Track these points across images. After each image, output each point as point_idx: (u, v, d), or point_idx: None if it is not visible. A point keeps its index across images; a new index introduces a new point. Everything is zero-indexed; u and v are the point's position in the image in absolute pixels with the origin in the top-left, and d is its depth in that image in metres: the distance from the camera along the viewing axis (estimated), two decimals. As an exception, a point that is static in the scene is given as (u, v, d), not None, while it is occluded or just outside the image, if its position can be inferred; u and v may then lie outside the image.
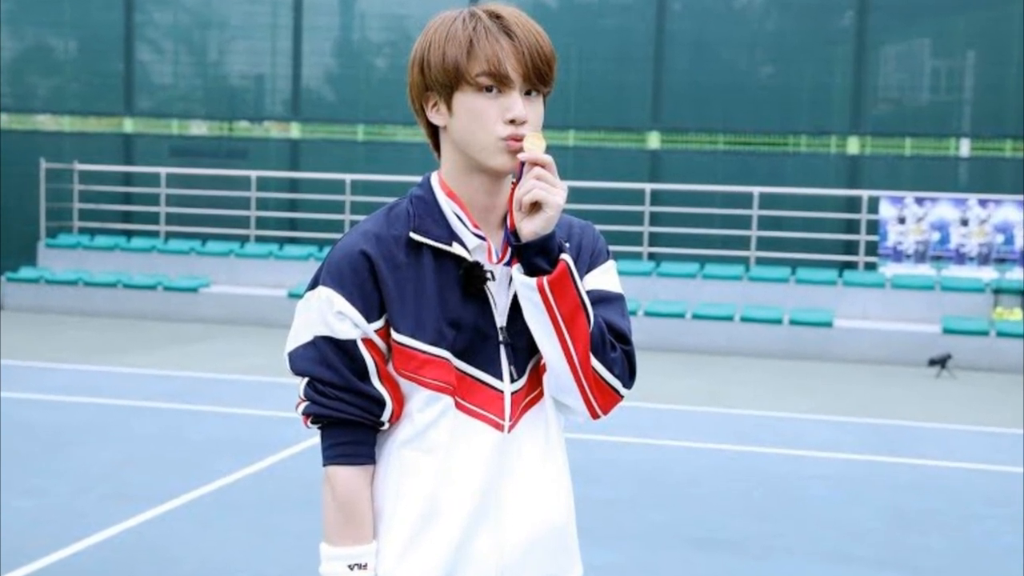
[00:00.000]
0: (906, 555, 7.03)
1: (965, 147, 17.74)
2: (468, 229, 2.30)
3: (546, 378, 2.36)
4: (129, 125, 20.18)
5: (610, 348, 2.33)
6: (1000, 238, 16.56)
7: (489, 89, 2.24)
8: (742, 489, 8.43)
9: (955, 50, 18.05)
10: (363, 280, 2.27)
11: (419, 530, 2.30)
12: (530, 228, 2.21)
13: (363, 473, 2.32)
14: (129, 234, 19.73)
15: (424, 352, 2.28)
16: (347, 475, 2.30)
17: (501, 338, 2.33)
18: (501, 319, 2.33)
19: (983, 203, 16.64)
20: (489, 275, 2.31)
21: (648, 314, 16.28)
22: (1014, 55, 17.28)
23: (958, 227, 16.66)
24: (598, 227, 2.54)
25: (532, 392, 2.38)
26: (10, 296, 18.46)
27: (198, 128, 20.63)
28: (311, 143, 19.73)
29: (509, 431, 2.33)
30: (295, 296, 16.86)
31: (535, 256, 2.23)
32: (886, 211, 16.90)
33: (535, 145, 2.22)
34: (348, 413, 2.29)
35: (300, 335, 2.34)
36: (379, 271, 2.27)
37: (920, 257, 16.78)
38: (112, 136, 20.27)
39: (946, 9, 17.85)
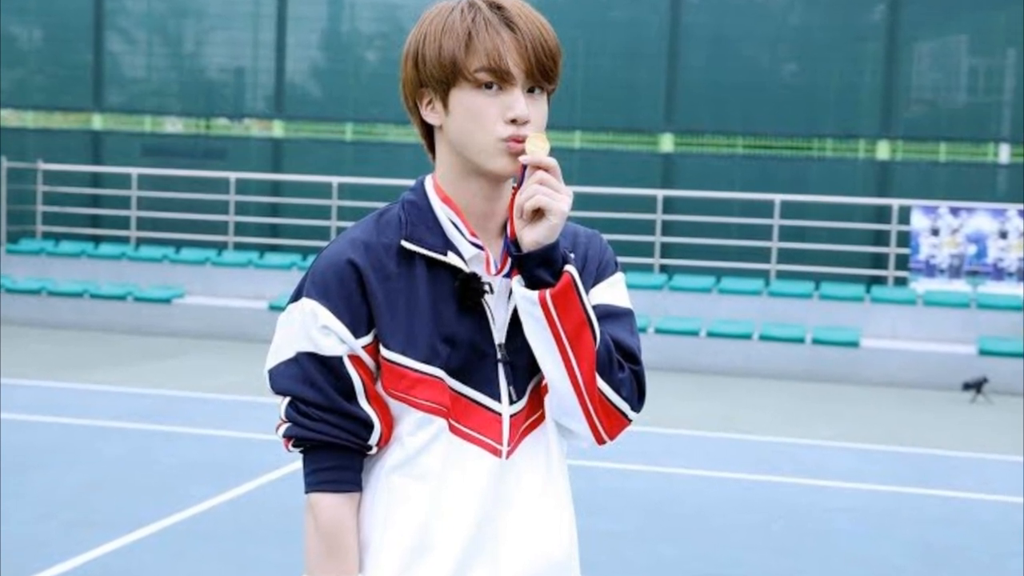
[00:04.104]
0: (937, 595, 7.03)
1: (1005, 153, 17.75)
2: (465, 237, 2.31)
3: (548, 400, 2.36)
4: (98, 122, 20.21)
5: (617, 368, 2.33)
6: (1042, 252, 16.58)
7: (489, 86, 2.24)
8: (759, 522, 8.43)
9: (995, 48, 18.06)
10: (350, 292, 2.27)
11: (409, 563, 2.30)
12: (532, 237, 2.21)
13: (349, 501, 2.32)
14: (97, 240, 19.73)
15: (416, 370, 2.28)
16: (331, 503, 2.30)
17: (499, 356, 2.33)
18: (500, 335, 2.34)
19: (1023, 214, 16.65)
20: (487, 288, 2.31)
21: (659, 331, 16.28)
22: (1058, 54, 17.33)
23: (996, 240, 16.66)
24: (606, 236, 2.54)
25: (533, 415, 2.38)
26: (-33, 306, 18.47)
27: (173, 126, 20.65)
28: (295, 143, 19.75)
29: (507, 457, 2.33)
30: (276, 308, 16.87)
31: (537, 267, 2.23)
32: (918, 222, 16.91)
33: (538, 147, 2.22)
34: (333, 436, 2.29)
35: (281, 351, 2.34)
36: (368, 282, 2.27)
37: (955, 272, 16.78)
38: (79, 133, 20.28)
39: (985, 3, 17.88)
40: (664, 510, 8.68)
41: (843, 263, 17.40)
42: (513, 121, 2.23)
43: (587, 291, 2.35)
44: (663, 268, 18.02)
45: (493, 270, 2.32)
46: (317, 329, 2.28)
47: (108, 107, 20.21)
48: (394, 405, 2.31)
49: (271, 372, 2.35)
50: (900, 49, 17.89)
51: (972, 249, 16.74)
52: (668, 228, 18.00)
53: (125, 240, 19.62)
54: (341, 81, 19.69)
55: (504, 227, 2.36)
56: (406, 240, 2.30)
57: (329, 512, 2.30)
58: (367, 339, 2.29)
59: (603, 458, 9.52)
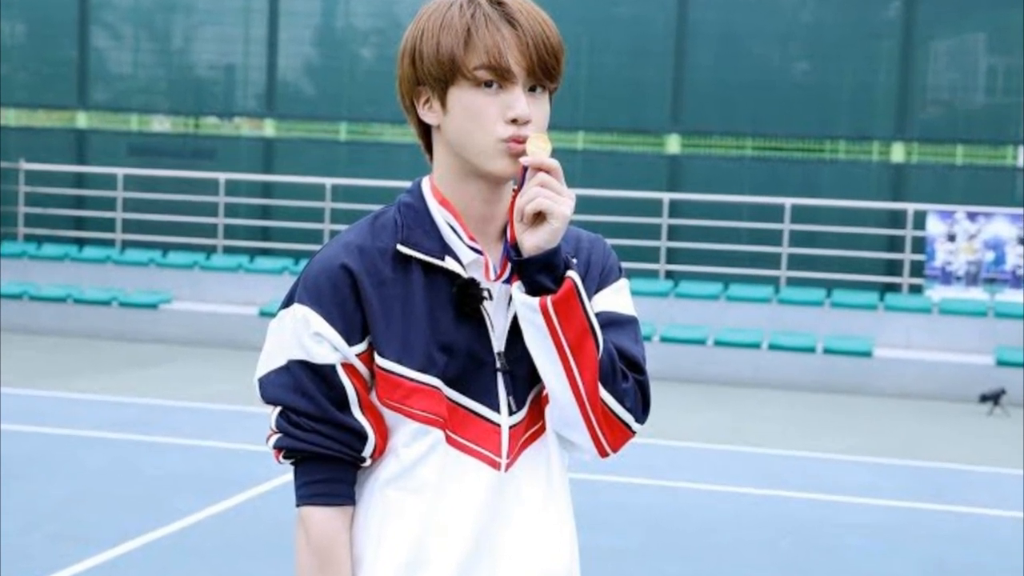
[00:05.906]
0: (953, 615, 7.02)
1: (1024, 156, 17.78)
2: (463, 242, 2.30)
3: (549, 410, 2.36)
4: (82, 120, 20.21)
5: (621, 378, 2.33)
6: (1062, 259, 16.58)
7: (489, 84, 2.24)
8: (767, 538, 8.42)
9: (1014, 47, 18.05)
10: (344, 298, 2.27)
11: (403, 580, 2.30)
12: (533, 241, 2.21)
13: (341, 515, 2.32)
14: (81, 242, 19.73)
15: (412, 380, 2.27)
16: (323, 517, 2.30)
17: (499, 365, 2.33)
18: (499, 343, 2.33)
19: (1043, 219, 16.66)
20: (486, 294, 2.30)
21: (664, 340, 16.28)
22: (1079, 53, 17.32)
23: (1015, 246, 16.67)
24: (609, 241, 2.54)
25: (533, 426, 2.37)
26: (-54, 310, 18.46)
27: (160, 124, 20.66)
28: (287, 142, 19.75)
29: (506, 470, 2.33)
30: (267, 314, 16.86)
31: (538, 273, 2.23)
32: (934, 227, 16.91)
33: (539, 148, 2.22)
34: (325, 447, 2.29)
35: (272, 359, 2.34)
36: (362, 288, 2.27)
37: (972, 279, 16.78)
38: (63, 132, 20.29)
39: (1003, 1, 17.88)
40: (669, 526, 8.68)
41: (856, 269, 17.38)
42: (514, 121, 2.23)
43: (590, 298, 2.35)
44: (669, 274, 18.02)
45: (492, 275, 2.32)
46: (309, 336, 2.27)
47: (93, 105, 20.20)
48: (389, 415, 2.31)
49: (261, 381, 2.35)
50: (916, 48, 17.88)
51: (990, 256, 16.74)
52: (674, 232, 17.99)
53: (110, 243, 19.61)
54: (335, 79, 19.68)
55: (504, 231, 2.36)
56: (402, 244, 2.30)
57: (321, 526, 2.30)
58: (361, 347, 2.28)
59: (606, 471, 9.52)
